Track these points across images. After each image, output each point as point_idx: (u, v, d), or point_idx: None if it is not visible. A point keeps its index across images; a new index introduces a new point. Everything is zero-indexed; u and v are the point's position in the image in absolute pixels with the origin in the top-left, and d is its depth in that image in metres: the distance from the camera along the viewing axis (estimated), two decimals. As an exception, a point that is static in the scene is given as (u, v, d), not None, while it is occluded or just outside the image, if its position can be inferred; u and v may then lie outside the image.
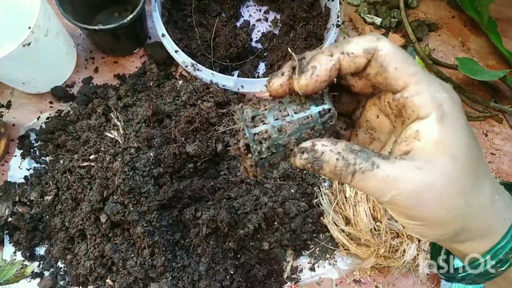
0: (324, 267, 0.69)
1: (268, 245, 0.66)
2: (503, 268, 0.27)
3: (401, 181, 0.24)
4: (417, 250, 0.62)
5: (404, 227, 0.29)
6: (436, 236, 0.27)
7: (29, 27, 0.59)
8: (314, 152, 0.24)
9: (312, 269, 0.69)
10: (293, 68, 0.25)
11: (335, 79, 0.26)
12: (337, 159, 0.24)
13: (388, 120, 0.29)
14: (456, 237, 0.27)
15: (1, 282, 0.36)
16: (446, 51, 0.84)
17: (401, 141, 0.26)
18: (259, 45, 0.80)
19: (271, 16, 0.83)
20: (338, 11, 0.73)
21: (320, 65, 0.24)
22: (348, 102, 0.31)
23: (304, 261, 0.69)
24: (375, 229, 0.63)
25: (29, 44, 0.60)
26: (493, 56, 0.84)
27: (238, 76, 0.76)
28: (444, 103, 0.24)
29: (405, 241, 0.62)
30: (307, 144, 0.25)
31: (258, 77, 0.76)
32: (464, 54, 0.83)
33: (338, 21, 0.72)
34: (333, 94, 0.27)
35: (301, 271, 0.69)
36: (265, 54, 0.78)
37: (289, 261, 0.68)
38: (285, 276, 0.67)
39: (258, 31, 0.81)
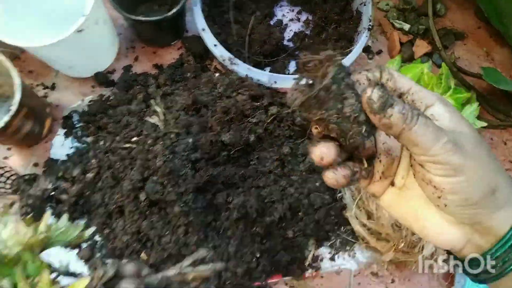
0: (344, 258, 0.72)
1: (292, 233, 0.70)
2: None
3: (446, 133, 0.28)
4: (435, 247, 0.65)
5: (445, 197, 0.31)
6: (477, 195, 0.29)
7: (84, 15, 0.64)
8: (386, 91, 0.27)
9: (332, 259, 0.72)
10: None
11: None
12: (404, 102, 0.28)
13: None
14: (493, 197, 0.29)
15: (66, 242, 0.40)
16: (471, 60, 0.87)
17: None
18: (290, 44, 0.83)
19: (304, 16, 0.86)
20: (370, 15, 0.76)
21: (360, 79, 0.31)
22: None
23: (325, 251, 0.72)
24: (396, 225, 0.67)
25: (81, 31, 0.64)
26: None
27: (270, 71, 0.79)
28: (439, 95, 0.31)
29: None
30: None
31: (289, 73, 0.80)
32: (488, 64, 0.86)
33: (370, 25, 0.75)
34: None
35: (321, 260, 0.72)
36: (296, 52, 0.82)
37: (311, 250, 0.72)
38: (306, 263, 0.71)
39: (290, 30, 0.85)
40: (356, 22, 0.80)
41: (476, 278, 0.32)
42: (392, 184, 0.34)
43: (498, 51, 0.88)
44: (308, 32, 0.84)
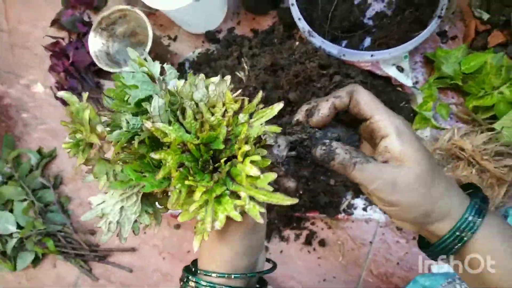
0: (375, 210, 0.87)
1: (334, 182, 0.86)
2: (460, 244, 0.37)
3: (384, 173, 0.35)
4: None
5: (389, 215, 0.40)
6: (411, 218, 0.37)
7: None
8: (330, 147, 0.37)
9: (364, 209, 0.87)
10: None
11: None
12: (345, 153, 0.36)
13: None
14: (426, 218, 0.37)
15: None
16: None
17: (377, 155, 0.37)
18: (370, 22, 0.94)
19: (389, -3, 0.95)
20: (444, 4, 0.83)
21: (322, 108, 0.39)
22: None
23: (359, 202, 0.87)
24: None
25: (198, 0, 0.85)
26: None
27: (345, 45, 0.92)
28: (399, 125, 0.36)
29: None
30: (326, 142, 0.38)
31: (363, 49, 0.92)
32: None
33: (441, 13, 0.82)
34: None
35: (355, 208, 0.87)
36: (373, 30, 0.92)
37: (347, 198, 0.88)
38: (341, 208, 0.87)
39: (372, 10, 0.94)
40: (433, 8, 0.87)
41: (426, 253, 0.43)
42: None
43: None
44: (389, 13, 0.93)
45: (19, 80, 1.08)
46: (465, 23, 0.91)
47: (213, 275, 0.42)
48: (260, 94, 0.40)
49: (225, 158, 0.37)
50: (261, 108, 0.40)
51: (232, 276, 0.42)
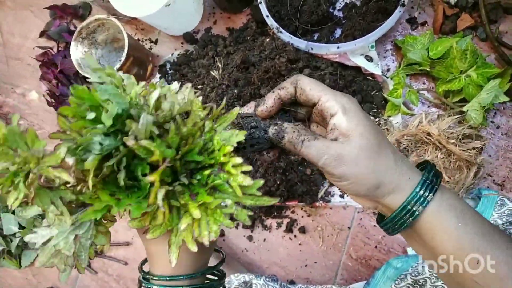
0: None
1: (310, 171, 0.89)
2: (411, 218, 0.39)
3: (330, 148, 0.38)
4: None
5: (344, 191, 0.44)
6: (363, 191, 0.38)
7: (170, -7, 0.88)
8: (281, 126, 0.40)
9: (341, 196, 0.90)
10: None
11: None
12: (293, 131, 0.39)
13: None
14: (377, 191, 0.38)
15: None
16: (519, 35, 0.88)
17: (328, 134, 0.39)
18: (340, 14, 0.96)
19: (358, -12, 0.97)
20: (407, -8, 0.84)
21: (268, 99, 0.42)
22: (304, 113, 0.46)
23: (336, 189, 0.90)
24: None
25: (168, 5, 0.89)
26: None
27: (317, 37, 0.95)
28: (345, 103, 0.39)
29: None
30: (278, 122, 0.41)
31: (333, 40, 0.94)
32: (538, 40, 0.87)
33: (404, 1, 0.84)
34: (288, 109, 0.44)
35: (333, 195, 0.91)
36: (343, 22, 0.95)
37: (325, 187, 0.91)
38: (319, 196, 0.91)
39: (342, 1, 0.97)
40: (398, -4, 0.88)
41: (383, 229, 0.44)
42: None
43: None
44: (358, 3, 0.95)
45: (15, 90, 1.15)
46: (434, 8, 0.92)
47: (177, 277, 0.43)
48: (224, 102, 0.42)
49: (208, 171, 0.36)
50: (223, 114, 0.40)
51: (185, 277, 0.44)
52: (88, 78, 0.89)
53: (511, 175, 0.85)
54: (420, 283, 0.72)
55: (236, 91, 0.87)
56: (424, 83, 0.91)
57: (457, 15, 0.90)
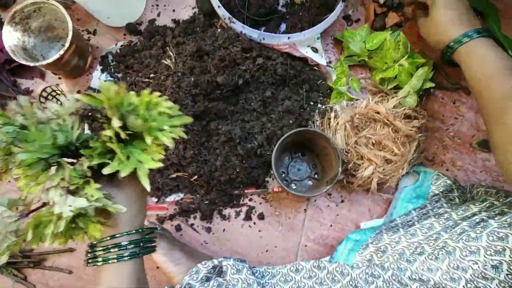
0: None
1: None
2: (460, 44, 0.75)
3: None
4: (373, 171, 0.86)
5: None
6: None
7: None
8: None
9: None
10: None
11: None
12: None
13: None
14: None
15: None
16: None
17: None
18: (284, 9, 1.01)
19: (299, -15, 1.03)
20: (346, -11, 0.93)
21: None
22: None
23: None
24: (346, 151, 0.87)
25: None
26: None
27: (264, 30, 0.98)
28: None
29: (365, 163, 0.86)
30: None
31: (279, 33, 0.99)
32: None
33: (345, -4, 0.92)
34: None
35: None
36: (287, 16, 1.00)
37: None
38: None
39: (285, -2, 1.02)
40: (338, -7, 0.97)
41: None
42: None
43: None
44: (298, 1, 1.01)
45: None
46: (365, 7, 1.02)
47: (117, 235, 0.53)
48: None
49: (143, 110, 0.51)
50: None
51: (134, 231, 0.54)
52: (25, 64, 0.81)
53: (439, 151, 0.97)
54: (381, 250, 0.78)
55: (192, 79, 0.86)
56: (362, 73, 1.00)
57: (385, 14, 1.01)
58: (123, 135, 0.49)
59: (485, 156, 0.97)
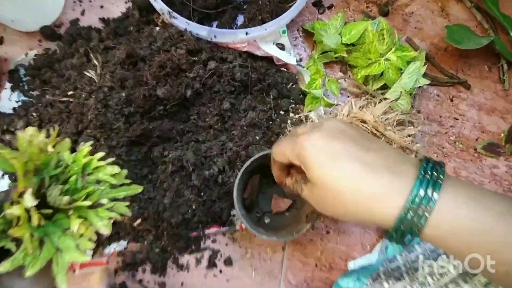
0: (281, 210, 0.75)
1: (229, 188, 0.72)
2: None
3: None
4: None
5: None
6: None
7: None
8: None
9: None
10: None
11: None
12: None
13: None
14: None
15: None
16: (425, 15, 0.85)
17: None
18: (240, -3, 0.82)
19: (256, -31, 0.84)
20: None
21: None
22: None
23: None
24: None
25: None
26: (473, 22, 0.85)
27: (217, 26, 0.79)
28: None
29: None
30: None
31: (236, 28, 0.79)
32: (443, 20, 0.85)
33: (314, -22, 0.74)
34: None
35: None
36: (244, 6, 0.81)
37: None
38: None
39: (240, -16, 0.83)
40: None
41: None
42: None
43: (453, 6, 0.86)
44: (258, -15, 0.82)
45: None
46: (337, -9, 0.84)
47: None
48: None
49: (74, 177, 0.40)
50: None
51: None
52: None
53: (438, 159, 0.80)
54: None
55: (124, 94, 0.66)
56: (340, 72, 0.82)
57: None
58: (35, 220, 0.35)
59: (492, 162, 0.81)
